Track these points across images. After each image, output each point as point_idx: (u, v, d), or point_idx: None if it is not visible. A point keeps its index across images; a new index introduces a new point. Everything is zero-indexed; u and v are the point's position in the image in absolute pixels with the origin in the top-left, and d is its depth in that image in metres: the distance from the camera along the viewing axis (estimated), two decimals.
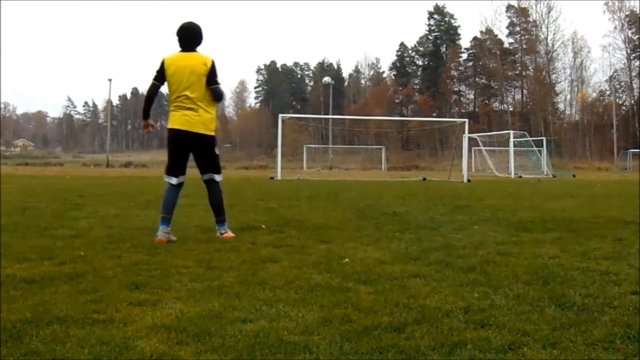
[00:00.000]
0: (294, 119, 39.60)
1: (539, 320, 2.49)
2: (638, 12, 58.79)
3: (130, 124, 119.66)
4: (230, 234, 4.98)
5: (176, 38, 4.91)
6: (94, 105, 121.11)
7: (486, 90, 72.69)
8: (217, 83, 4.85)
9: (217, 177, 5.01)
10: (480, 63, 71.78)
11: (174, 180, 4.89)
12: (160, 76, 4.87)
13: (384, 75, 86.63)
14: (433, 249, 4.38)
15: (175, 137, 4.88)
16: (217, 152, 5.03)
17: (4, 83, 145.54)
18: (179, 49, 4.92)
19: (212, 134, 4.93)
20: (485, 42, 69.64)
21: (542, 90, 63.91)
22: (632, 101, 61.91)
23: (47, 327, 2.35)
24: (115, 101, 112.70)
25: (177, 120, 4.83)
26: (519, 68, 69.01)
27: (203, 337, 2.25)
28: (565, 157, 47.27)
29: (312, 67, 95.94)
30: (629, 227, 5.83)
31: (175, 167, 4.92)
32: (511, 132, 32.33)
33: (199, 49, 4.95)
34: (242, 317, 2.52)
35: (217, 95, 4.89)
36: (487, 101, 71.95)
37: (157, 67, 4.87)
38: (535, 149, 33.34)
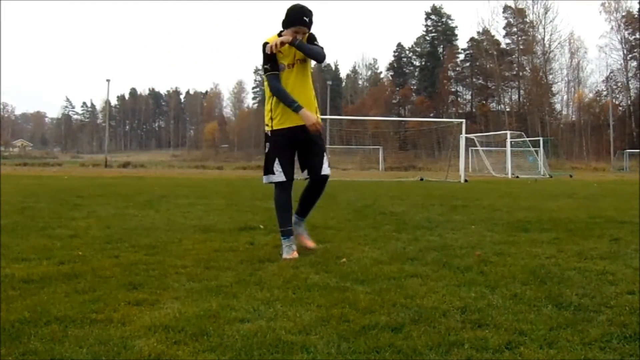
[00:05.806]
0: None
1: (535, 320, 2.50)
2: (635, 12, 58.92)
3: (128, 124, 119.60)
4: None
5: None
6: (92, 105, 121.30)
7: (483, 90, 72.83)
8: (264, 70, 4.26)
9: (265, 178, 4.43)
10: (478, 63, 71.95)
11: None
12: None
13: (382, 75, 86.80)
14: (430, 249, 4.38)
15: None
16: (266, 149, 4.36)
17: (3, 83, 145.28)
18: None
19: (265, 130, 4.34)
20: (483, 43, 69.80)
21: (539, 90, 64.10)
22: (629, 101, 62.11)
23: (45, 326, 2.35)
24: (114, 102, 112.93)
25: None
26: (516, 68, 69.16)
27: (201, 336, 2.25)
28: (562, 158, 47.38)
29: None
30: (625, 227, 5.84)
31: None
32: (508, 132, 32.42)
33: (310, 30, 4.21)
34: (239, 316, 2.52)
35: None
36: (484, 101, 72.12)
37: None
38: (532, 149, 33.41)
